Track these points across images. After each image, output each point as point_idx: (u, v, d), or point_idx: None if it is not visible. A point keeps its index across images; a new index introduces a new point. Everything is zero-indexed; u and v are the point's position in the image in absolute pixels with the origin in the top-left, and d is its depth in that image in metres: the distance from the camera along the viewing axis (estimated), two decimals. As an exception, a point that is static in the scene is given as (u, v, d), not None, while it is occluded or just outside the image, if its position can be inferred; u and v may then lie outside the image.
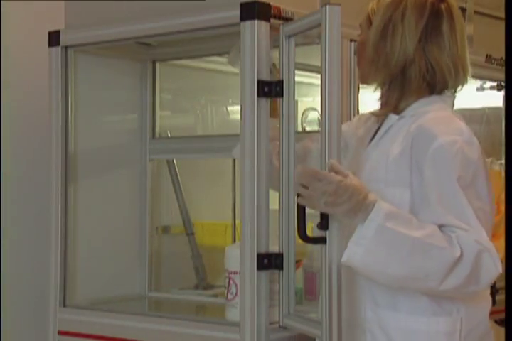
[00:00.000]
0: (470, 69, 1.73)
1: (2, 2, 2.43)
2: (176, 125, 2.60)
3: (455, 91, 1.74)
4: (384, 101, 1.74)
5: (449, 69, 1.68)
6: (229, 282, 2.00)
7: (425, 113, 1.67)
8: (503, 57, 2.59)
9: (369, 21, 1.74)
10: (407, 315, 1.63)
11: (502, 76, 2.58)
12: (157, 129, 2.50)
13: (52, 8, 2.46)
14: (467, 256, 1.51)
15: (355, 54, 2.03)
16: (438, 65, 1.68)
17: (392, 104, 1.71)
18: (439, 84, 1.69)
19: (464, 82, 1.72)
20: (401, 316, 1.64)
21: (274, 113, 1.90)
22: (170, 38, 2.18)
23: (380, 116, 1.74)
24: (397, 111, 1.71)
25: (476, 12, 2.56)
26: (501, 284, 2.13)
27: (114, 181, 2.41)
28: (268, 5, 1.87)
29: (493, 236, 2.29)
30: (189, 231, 2.53)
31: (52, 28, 2.25)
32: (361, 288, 1.68)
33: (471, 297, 1.63)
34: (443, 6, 1.70)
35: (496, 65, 2.62)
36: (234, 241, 2.48)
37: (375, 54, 1.69)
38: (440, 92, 1.71)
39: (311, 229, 1.74)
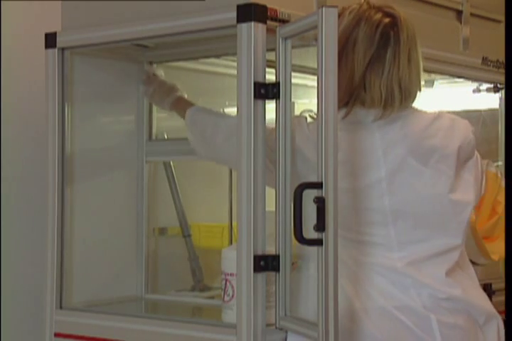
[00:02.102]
0: (416, 89, 1.83)
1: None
2: (173, 127, 2.59)
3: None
4: None
5: (380, 95, 1.79)
6: (225, 284, 2.00)
7: None
8: (500, 59, 2.60)
9: None
10: None
11: (498, 78, 2.59)
12: (154, 131, 2.50)
13: (48, 9, 2.46)
14: None
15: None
16: (370, 89, 1.78)
17: None
18: (368, 108, 1.81)
19: (396, 105, 1.81)
20: None
21: None
22: (167, 40, 2.18)
23: None
24: None
25: (472, 14, 2.56)
26: (501, 285, 2.14)
27: (110, 183, 2.41)
28: (265, 7, 1.87)
29: (487, 238, 2.30)
30: (186, 233, 2.53)
31: (49, 30, 2.25)
32: None
33: None
34: (392, 33, 1.79)
35: (492, 67, 2.63)
36: (231, 243, 2.48)
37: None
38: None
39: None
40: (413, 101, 1.86)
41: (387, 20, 1.79)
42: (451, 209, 1.82)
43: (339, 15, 1.74)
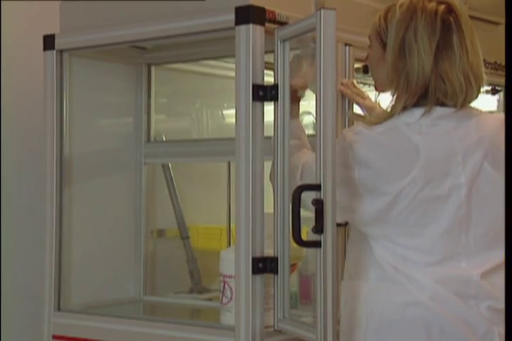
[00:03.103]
0: (484, 76, 1.74)
1: (-2, 4, 2.43)
2: (171, 129, 2.60)
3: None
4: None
5: (460, 83, 1.69)
6: (224, 286, 2.00)
7: None
8: (497, 61, 2.60)
9: (379, 37, 1.75)
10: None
11: (496, 80, 2.59)
12: (152, 133, 2.50)
13: (47, 11, 2.46)
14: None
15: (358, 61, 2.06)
16: (448, 79, 1.69)
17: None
18: (449, 101, 1.70)
19: (475, 94, 1.73)
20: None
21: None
22: (165, 42, 2.18)
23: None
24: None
25: (470, 16, 2.56)
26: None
27: (109, 185, 2.41)
28: (263, 9, 1.87)
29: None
30: (184, 235, 2.53)
31: (50, 31, 2.25)
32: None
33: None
34: (451, 18, 1.71)
35: (490, 69, 2.62)
36: (229, 245, 2.48)
37: (394, 74, 1.70)
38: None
39: (306, 232, 1.75)
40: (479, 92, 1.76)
41: (443, 7, 1.72)
42: None
43: (388, 11, 1.72)
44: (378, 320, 1.70)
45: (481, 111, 1.79)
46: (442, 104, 1.72)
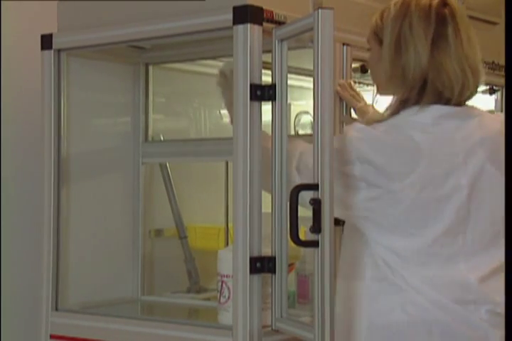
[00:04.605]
0: (481, 69, 1.74)
1: (-4, 4, 2.43)
2: (169, 128, 2.60)
3: (464, 100, 1.74)
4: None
5: (456, 74, 1.69)
6: (222, 285, 2.00)
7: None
8: (495, 61, 2.60)
9: (376, 37, 1.76)
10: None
11: (494, 80, 2.59)
12: (150, 132, 2.50)
13: (44, 10, 2.46)
14: None
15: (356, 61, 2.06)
16: (444, 70, 1.69)
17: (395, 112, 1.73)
18: (446, 92, 1.70)
19: (472, 87, 1.73)
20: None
21: None
22: (163, 42, 2.18)
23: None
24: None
25: (467, 16, 2.56)
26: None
27: (106, 184, 2.41)
28: (260, 9, 1.87)
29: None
30: (182, 234, 2.53)
31: (45, 31, 2.25)
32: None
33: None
34: (447, 11, 1.72)
35: (488, 68, 2.63)
36: (227, 244, 2.48)
37: (392, 69, 1.71)
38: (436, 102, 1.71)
39: (304, 232, 1.75)
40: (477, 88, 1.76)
41: (437, 0, 1.73)
42: None
43: (383, 11, 1.73)
44: (378, 320, 1.70)
45: (482, 111, 1.79)
46: (445, 103, 1.71)
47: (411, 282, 1.68)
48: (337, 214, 1.70)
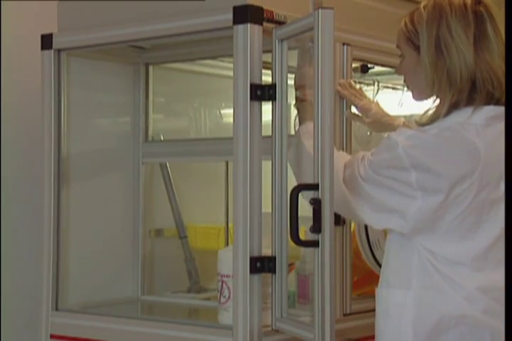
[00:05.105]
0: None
1: (-4, 4, 2.43)
2: (169, 128, 2.60)
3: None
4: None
5: (502, 71, 1.65)
6: (222, 285, 2.00)
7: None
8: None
9: (410, 42, 1.70)
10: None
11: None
12: (150, 132, 2.50)
13: (44, 10, 2.46)
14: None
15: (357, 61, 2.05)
16: (492, 70, 1.64)
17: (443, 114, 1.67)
18: (496, 92, 1.66)
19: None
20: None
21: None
22: (163, 42, 2.18)
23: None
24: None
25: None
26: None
27: (107, 184, 2.41)
28: (261, 9, 1.87)
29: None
30: (182, 234, 2.53)
31: (45, 31, 2.25)
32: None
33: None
34: (482, 8, 1.67)
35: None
36: (227, 244, 2.48)
37: (435, 74, 1.65)
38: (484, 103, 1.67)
39: (304, 232, 1.75)
40: None
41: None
42: None
43: (413, 14, 1.68)
44: (427, 331, 1.64)
45: None
46: (495, 103, 1.66)
47: (462, 288, 1.63)
48: (386, 224, 1.68)
